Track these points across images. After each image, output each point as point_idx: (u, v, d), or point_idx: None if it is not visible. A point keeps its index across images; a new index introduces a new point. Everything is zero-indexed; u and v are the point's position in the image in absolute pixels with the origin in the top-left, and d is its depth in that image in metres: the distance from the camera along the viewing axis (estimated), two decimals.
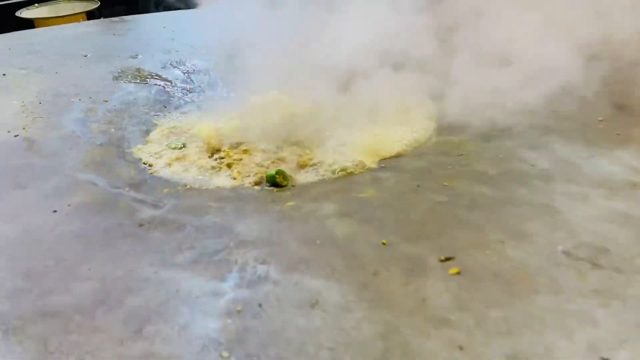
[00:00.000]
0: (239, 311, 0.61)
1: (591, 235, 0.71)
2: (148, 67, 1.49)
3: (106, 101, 1.30)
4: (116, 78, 1.43)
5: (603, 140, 0.96)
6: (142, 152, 1.09)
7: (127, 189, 0.94)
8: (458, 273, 0.65)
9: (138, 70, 1.47)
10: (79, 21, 1.97)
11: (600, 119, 1.03)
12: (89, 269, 0.70)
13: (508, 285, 0.63)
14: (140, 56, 1.57)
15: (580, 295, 0.61)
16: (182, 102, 1.34)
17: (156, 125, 1.21)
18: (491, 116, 1.05)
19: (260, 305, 0.62)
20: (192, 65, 1.51)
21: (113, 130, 1.19)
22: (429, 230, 0.75)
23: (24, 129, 1.13)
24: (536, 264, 0.66)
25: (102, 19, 2.09)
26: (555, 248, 0.69)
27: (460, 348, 0.55)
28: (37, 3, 2.20)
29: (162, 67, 1.50)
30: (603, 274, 0.64)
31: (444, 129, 1.08)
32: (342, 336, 0.57)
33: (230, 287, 0.66)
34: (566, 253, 0.68)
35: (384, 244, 0.72)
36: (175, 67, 1.51)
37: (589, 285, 0.62)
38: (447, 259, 0.68)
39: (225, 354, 0.56)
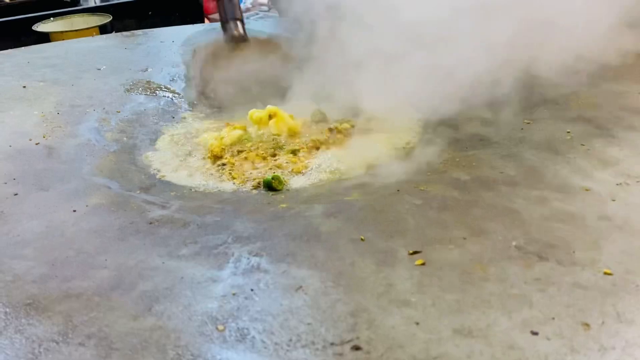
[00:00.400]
0: (233, 294, 0.72)
1: (542, 233, 0.81)
2: (157, 79, 1.61)
3: (119, 112, 1.41)
4: (128, 90, 1.54)
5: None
6: (151, 158, 1.20)
7: (138, 191, 1.05)
8: (423, 264, 0.76)
9: (148, 82, 1.58)
10: (92, 35, 2.09)
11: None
12: (105, 260, 0.81)
13: (464, 274, 0.74)
14: (150, 69, 1.68)
15: (523, 282, 0.71)
16: (188, 112, 1.45)
17: (164, 134, 1.32)
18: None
19: (252, 290, 0.73)
20: None
21: (125, 138, 1.30)
22: (402, 228, 0.85)
23: (44, 137, 1.24)
24: (490, 257, 0.77)
25: (114, 33, 2.21)
26: (509, 243, 0.79)
27: (417, 323, 0.66)
28: (53, 17, 2.31)
29: (171, 80, 1.61)
30: (546, 265, 0.74)
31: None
32: (319, 314, 0.68)
33: (227, 275, 0.76)
34: (518, 248, 0.78)
35: (362, 239, 0.83)
36: (182, 80, 1.62)
37: (532, 274, 0.73)
38: (415, 252, 0.78)
39: (220, 327, 0.67)
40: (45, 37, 2.17)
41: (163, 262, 0.80)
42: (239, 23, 1.70)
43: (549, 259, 0.75)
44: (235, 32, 1.69)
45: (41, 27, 2.26)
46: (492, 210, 0.89)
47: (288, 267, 0.77)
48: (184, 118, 1.43)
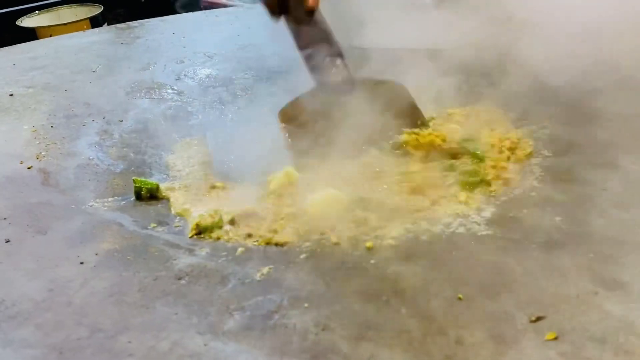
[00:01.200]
0: None
1: None
2: (161, 79, 1.40)
3: (121, 121, 1.21)
4: (128, 93, 1.33)
5: None
6: (166, 183, 0.99)
7: (155, 226, 0.85)
8: (556, 338, 0.56)
9: (151, 83, 1.37)
10: (83, 29, 1.87)
11: None
12: (129, 342, 0.61)
13: (619, 353, 0.54)
14: (152, 67, 1.47)
15: None
16: (201, 118, 1.23)
17: (178, 146, 1.11)
18: None
19: None
20: (209, 75, 1.41)
21: (132, 154, 1.10)
22: (508, 278, 0.66)
23: (37, 158, 1.04)
24: None
25: (106, 25, 1.99)
26: None
27: None
28: (38, 10, 2.08)
29: (177, 79, 1.40)
30: None
31: None
32: None
33: None
34: None
35: (460, 298, 0.63)
36: (191, 78, 1.41)
37: None
38: (538, 318, 0.59)
39: None
40: (31, 33, 1.95)
41: (205, 344, 0.60)
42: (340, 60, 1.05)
43: None
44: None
45: (26, 21, 2.04)
46: (613, 245, 0.69)
47: (374, 349, 0.57)
48: (199, 125, 1.22)
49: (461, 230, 0.77)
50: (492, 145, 0.96)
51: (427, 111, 1.05)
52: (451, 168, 0.91)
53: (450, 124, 1.04)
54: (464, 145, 0.96)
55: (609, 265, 0.66)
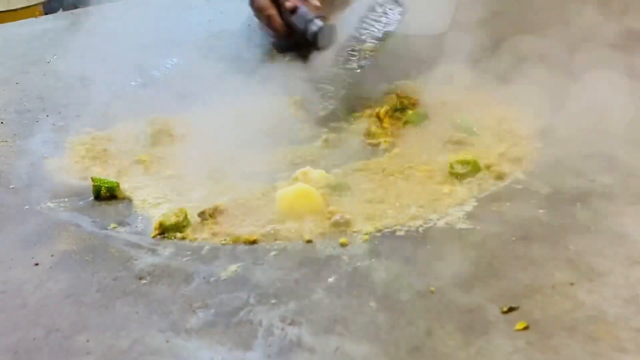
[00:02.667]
0: None
1: None
2: (124, 69, 1.46)
3: (79, 116, 1.27)
4: (86, 86, 1.39)
5: None
6: (128, 180, 1.06)
7: (115, 226, 0.92)
8: (526, 328, 0.64)
9: (111, 75, 1.43)
10: (35, 15, 1.93)
11: None
12: (87, 341, 0.68)
13: (589, 342, 0.62)
14: (112, 57, 1.53)
15: None
16: (169, 111, 1.30)
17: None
18: None
19: None
20: (175, 65, 1.48)
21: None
22: (483, 271, 0.74)
23: None
24: (616, 312, 0.65)
25: (61, 11, 2.05)
26: (635, 289, 0.68)
27: None
28: None
29: (141, 69, 1.47)
30: None
31: None
32: None
33: (258, 358, 0.64)
34: None
35: (432, 291, 0.71)
36: (155, 68, 1.47)
37: None
38: (510, 309, 0.67)
39: None
40: None
41: (167, 341, 0.67)
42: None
43: None
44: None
45: None
46: (596, 237, 0.77)
47: (341, 342, 0.64)
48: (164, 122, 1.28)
49: (440, 224, 0.84)
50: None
51: None
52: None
53: None
54: (458, 122, 1.08)
55: (589, 257, 0.74)
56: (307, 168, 0.98)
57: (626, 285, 0.69)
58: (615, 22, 1.26)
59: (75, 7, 1.93)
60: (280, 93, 1.26)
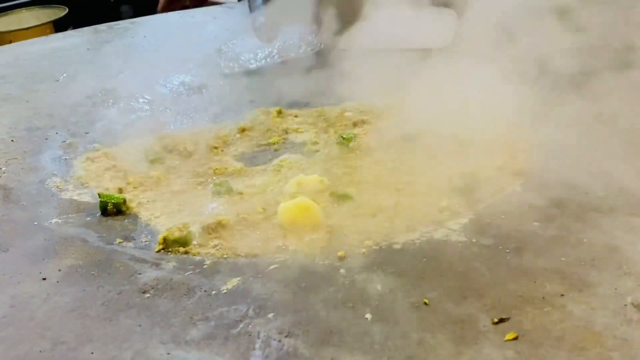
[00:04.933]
0: None
1: None
2: (131, 87, 1.50)
3: (87, 133, 1.31)
4: (95, 104, 1.43)
5: None
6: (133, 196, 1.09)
7: (120, 241, 0.95)
8: (516, 338, 0.66)
9: (120, 92, 1.47)
10: (46, 33, 1.98)
11: None
12: (92, 353, 0.71)
13: (575, 351, 0.64)
14: (120, 75, 1.57)
15: None
16: (176, 127, 1.33)
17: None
18: None
19: None
20: (182, 82, 1.51)
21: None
22: (476, 283, 0.76)
23: None
24: (604, 322, 0.67)
25: (71, 29, 2.10)
26: (624, 300, 0.70)
27: None
28: None
29: (148, 87, 1.50)
30: None
31: None
32: None
33: None
34: (636, 306, 0.69)
35: (426, 303, 0.73)
36: (162, 85, 1.51)
37: None
38: (501, 320, 0.69)
39: None
40: None
41: (168, 353, 0.70)
42: None
43: None
44: None
45: None
46: (588, 250, 0.79)
47: (336, 353, 0.67)
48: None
49: (437, 236, 0.87)
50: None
51: None
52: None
53: None
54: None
55: (580, 268, 0.76)
56: (300, 176, 1.01)
57: (615, 295, 0.71)
58: None
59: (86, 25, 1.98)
60: None
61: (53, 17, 2.19)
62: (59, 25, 2.13)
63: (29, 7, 2.29)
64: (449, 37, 1.49)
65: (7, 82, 1.56)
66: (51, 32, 2.06)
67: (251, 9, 1.55)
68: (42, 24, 2.09)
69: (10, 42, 1.98)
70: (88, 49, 1.78)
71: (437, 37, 1.51)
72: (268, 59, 1.52)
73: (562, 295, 0.72)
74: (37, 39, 1.94)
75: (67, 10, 2.21)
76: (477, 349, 0.66)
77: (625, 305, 0.69)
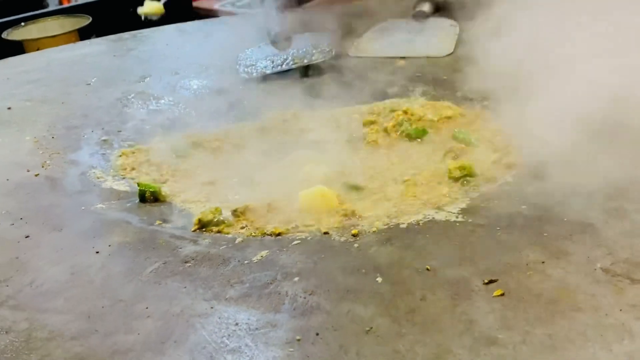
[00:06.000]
0: (298, 340, 0.76)
1: (627, 251, 0.85)
2: (157, 90, 1.65)
3: (120, 131, 1.46)
4: (125, 105, 1.58)
5: None
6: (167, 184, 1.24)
7: (161, 223, 1.09)
8: (502, 294, 0.80)
9: (147, 95, 1.62)
10: (71, 41, 2.12)
11: None
12: (147, 307, 0.85)
13: (550, 304, 0.78)
14: (147, 79, 1.72)
15: (618, 309, 0.75)
16: (200, 126, 1.48)
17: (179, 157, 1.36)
18: None
19: (317, 334, 0.77)
20: (204, 86, 1.66)
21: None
22: (470, 254, 0.90)
23: (43, 167, 1.28)
24: (576, 282, 0.81)
25: (95, 36, 2.24)
26: (594, 265, 0.84)
27: None
28: (23, 22, 2.34)
29: (172, 90, 1.65)
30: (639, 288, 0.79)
31: None
32: (399, 359, 0.72)
33: (285, 318, 0.80)
34: (604, 270, 0.82)
35: (428, 269, 0.87)
36: (186, 89, 1.66)
37: (626, 300, 0.77)
38: (490, 281, 0.83)
39: None
40: (17, 46, 2.20)
41: (212, 307, 0.84)
42: None
43: None
44: None
45: (12, 34, 2.30)
46: (566, 227, 0.93)
47: (352, 306, 0.81)
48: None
49: (438, 218, 1.01)
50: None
51: None
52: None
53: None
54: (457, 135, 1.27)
55: (559, 242, 0.90)
56: (312, 166, 1.19)
57: (587, 262, 0.85)
58: None
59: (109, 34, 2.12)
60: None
61: (77, 26, 2.32)
62: (83, 33, 2.27)
63: (54, 16, 2.43)
64: (451, 46, 1.65)
65: (43, 85, 1.71)
66: (76, 40, 2.19)
67: (267, 19, 1.71)
68: (68, 32, 2.23)
69: (38, 49, 2.12)
70: (115, 56, 1.92)
71: (440, 46, 1.68)
72: (283, 65, 1.67)
73: (543, 262, 0.85)
74: (65, 45, 2.09)
75: (91, 19, 2.35)
76: (469, 302, 0.79)
77: (595, 269, 0.83)
